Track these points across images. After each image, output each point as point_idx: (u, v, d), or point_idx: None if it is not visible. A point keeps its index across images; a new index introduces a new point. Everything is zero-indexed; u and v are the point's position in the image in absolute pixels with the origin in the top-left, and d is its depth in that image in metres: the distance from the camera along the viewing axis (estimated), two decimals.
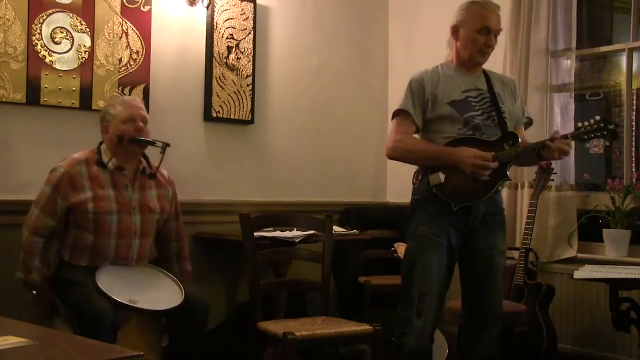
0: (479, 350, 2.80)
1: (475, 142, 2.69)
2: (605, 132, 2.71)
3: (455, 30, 2.81)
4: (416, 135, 2.82)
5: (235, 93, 4.10)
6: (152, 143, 2.98)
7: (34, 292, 2.90)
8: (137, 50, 3.70)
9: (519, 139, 2.72)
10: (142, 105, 3.08)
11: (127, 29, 3.66)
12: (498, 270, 2.80)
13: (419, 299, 2.69)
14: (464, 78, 2.80)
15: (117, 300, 2.72)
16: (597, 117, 2.74)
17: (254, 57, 4.17)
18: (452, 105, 2.73)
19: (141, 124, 2.98)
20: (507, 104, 2.82)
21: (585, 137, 2.73)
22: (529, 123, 2.99)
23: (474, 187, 2.68)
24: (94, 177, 2.91)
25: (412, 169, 2.86)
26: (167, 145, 2.99)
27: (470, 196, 2.71)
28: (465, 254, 2.79)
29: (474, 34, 2.74)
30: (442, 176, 2.69)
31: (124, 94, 3.63)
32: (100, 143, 3.02)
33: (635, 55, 4.10)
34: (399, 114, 2.78)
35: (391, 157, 2.84)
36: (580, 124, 2.78)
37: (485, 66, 2.89)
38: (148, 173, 3.05)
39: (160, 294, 2.90)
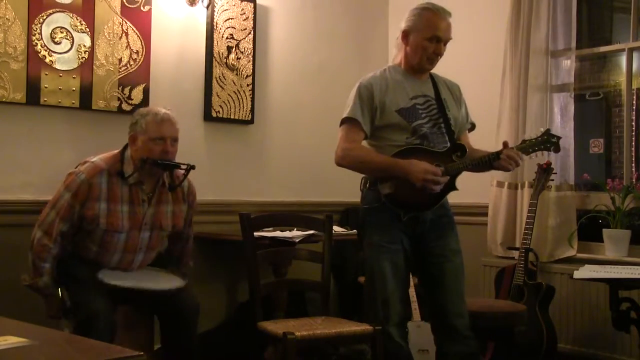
0: (457, 349, 2.79)
1: (423, 153, 2.70)
2: (549, 145, 2.77)
3: (405, 35, 2.81)
4: (364, 142, 2.82)
5: (235, 93, 4.10)
6: (177, 166, 2.93)
7: (44, 295, 2.85)
8: (137, 50, 3.70)
9: (467, 151, 2.75)
10: (175, 121, 2.95)
11: (127, 29, 3.66)
12: (454, 268, 2.82)
13: (383, 306, 2.75)
14: (412, 84, 2.80)
15: (121, 285, 2.72)
16: (541, 130, 2.80)
17: (254, 57, 4.17)
18: (400, 114, 2.73)
19: (169, 147, 2.87)
20: (453, 111, 2.84)
21: (530, 149, 2.77)
22: (472, 128, 3.00)
23: (423, 198, 2.72)
24: (111, 189, 2.84)
25: None
26: (192, 167, 2.95)
27: (420, 206, 2.75)
28: (419, 257, 2.82)
29: (424, 42, 2.75)
30: (392, 186, 2.71)
31: (123, 94, 3.63)
32: (125, 147, 2.93)
33: (635, 55, 4.10)
34: (347, 121, 2.79)
35: (340, 165, 2.85)
36: (526, 138, 2.83)
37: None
38: (168, 184, 2.99)
39: (161, 282, 2.90)
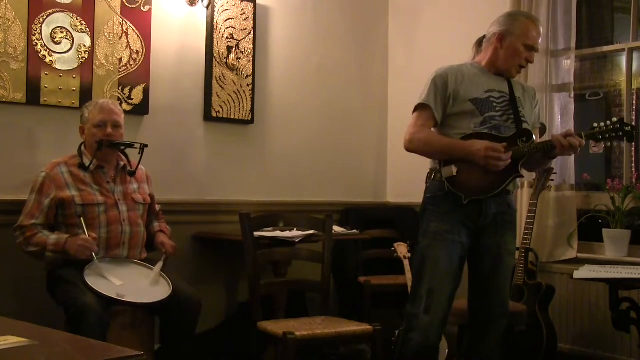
0: (483, 349, 2.81)
1: (488, 137, 2.70)
2: (621, 134, 2.72)
3: (501, 37, 2.80)
4: (433, 130, 2.82)
5: (235, 93, 4.10)
6: (131, 145, 3.14)
7: (68, 249, 2.89)
8: (137, 50, 3.70)
9: (532, 136, 2.73)
10: (117, 109, 3.17)
11: (127, 29, 3.66)
12: (506, 269, 2.82)
13: (428, 296, 2.69)
14: (488, 79, 2.81)
15: (104, 294, 2.76)
16: (614, 119, 2.76)
17: (254, 57, 4.17)
18: (474, 103, 2.74)
19: (110, 130, 3.08)
20: (527, 109, 2.84)
21: (600, 137, 2.73)
22: (542, 130, 3.00)
23: (485, 182, 2.69)
24: (75, 176, 3.05)
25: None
26: (145, 146, 3.15)
27: (481, 190, 2.71)
28: (475, 252, 2.80)
29: (521, 48, 2.77)
30: (454, 169, 2.70)
31: (123, 94, 3.63)
32: (81, 145, 3.15)
33: (635, 55, 4.10)
34: (419, 107, 2.79)
35: (408, 150, 2.83)
36: (596, 124, 2.78)
37: None
38: (128, 171, 3.18)
39: (148, 288, 2.94)
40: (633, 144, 4.10)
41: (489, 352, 2.80)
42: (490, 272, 2.79)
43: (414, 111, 2.82)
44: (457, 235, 2.72)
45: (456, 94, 2.75)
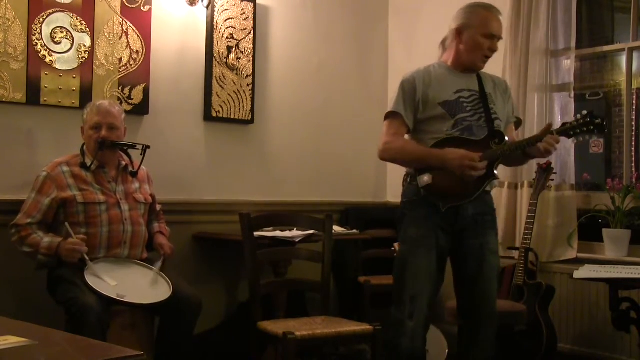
0: (475, 352, 2.80)
1: (461, 142, 2.69)
2: (592, 127, 2.68)
3: (459, 32, 2.79)
4: (407, 136, 2.82)
5: (235, 93, 4.10)
6: (133, 146, 3.13)
7: (61, 252, 2.89)
8: (137, 50, 3.70)
9: (505, 137, 2.73)
10: (115, 110, 3.16)
11: (127, 29, 3.66)
12: (491, 269, 2.80)
13: (411, 302, 2.71)
14: (457, 79, 2.80)
15: (104, 294, 2.77)
16: (584, 112, 2.71)
17: (254, 57, 4.17)
18: (444, 106, 2.73)
19: (105, 132, 3.08)
20: (499, 105, 2.82)
21: (572, 132, 2.71)
22: (518, 123, 2.99)
23: (461, 188, 2.70)
24: (76, 175, 3.06)
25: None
26: (147, 147, 3.13)
27: (458, 196, 2.72)
28: (458, 254, 2.80)
29: (481, 39, 2.75)
30: (430, 177, 2.70)
31: (123, 94, 3.63)
32: (83, 144, 3.16)
33: (635, 55, 4.10)
34: (390, 115, 2.79)
35: (383, 159, 2.86)
36: (566, 122, 2.79)
37: (487, 66, 2.89)
38: (129, 171, 3.18)
39: (149, 289, 2.94)
40: (633, 143, 4.10)
41: (481, 354, 2.79)
42: (475, 273, 2.78)
43: (385, 119, 2.81)
44: (435, 240, 2.73)
45: (425, 98, 2.74)
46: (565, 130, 2.71)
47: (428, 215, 2.73)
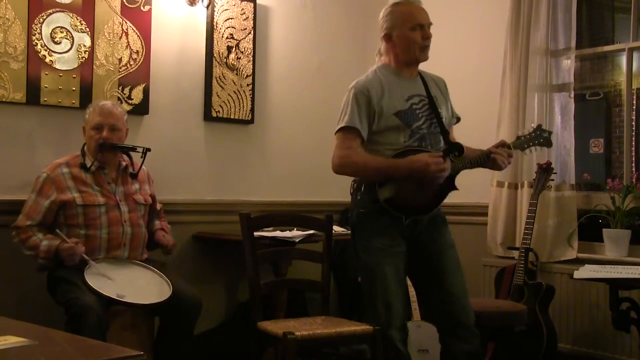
0: (457, 349, 2.76)
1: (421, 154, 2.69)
2: (542, 140, 2.83)
3: (388, 37, 2.78)
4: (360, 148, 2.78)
5: (235, 93, 4.10)
6: (134, 149, 3.13)
7: (59, 253, 2.90)
8: (137, 50, 3.70)
9: (464, 150, 2.74)
10: (117, 111, 3.16)
11: (127, 29, 3.66)
12: (453, 263, 2.80)
13: (386, 311, 2.72)
14: (405, 84, 2.78)
15: (104, 294, 2.77)
16: (533, 125, 2.86)
17: (254, 57, 4.17)
18: (399, 116, 2.71)
19: (106, 133, 3.07)
20: (444, 108, 2.83)
21: (525, 145, 2.82)
22: (457, 121, 2.99)
23: (422, 199, 2.71)
24: (76, 177, 3.06)
25: None
26: (148, 150, 3.12)
27: (421, 208, 2.74)
28: (416, 258, 2.80)
29: (410, 33, 2.73)
30: (391, 190, 2.68)
31: (123, 94, 3.63)
32: (84, 145, 3.16)
33: (635, 55, 4.10)
34: (344, 129, 2.73)
35: (338, 173, 2.78)
36: (520, 133, 2.89)
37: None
38: (129, 173, 3.18)
39: (148, 289, 2.95)
40: (633, 143, 4.10)
41: (465, 351, 2.75)
42: (439, 269, 2.78)
43: (337, 131, 2.76)
44: (399, 247, 2.75)
45: (380, 110, 2.71)
46: (520, 144, 2.82)
47: (390, 225, 2.73)
